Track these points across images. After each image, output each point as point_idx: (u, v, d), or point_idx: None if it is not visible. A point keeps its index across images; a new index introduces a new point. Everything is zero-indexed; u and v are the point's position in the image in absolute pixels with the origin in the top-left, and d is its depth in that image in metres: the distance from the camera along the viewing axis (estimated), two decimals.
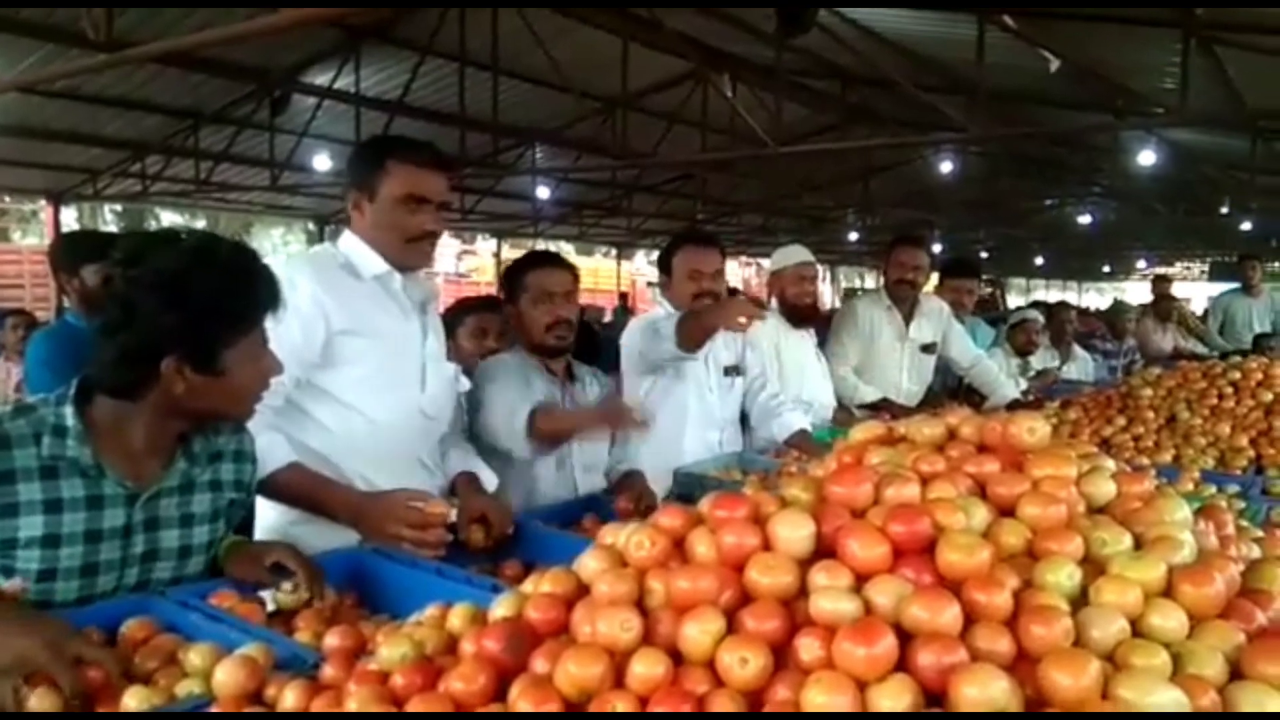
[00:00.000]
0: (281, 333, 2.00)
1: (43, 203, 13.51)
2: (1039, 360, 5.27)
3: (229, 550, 1.73)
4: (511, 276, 2.67)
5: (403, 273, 2.21)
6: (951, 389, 4.63)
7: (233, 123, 10.61)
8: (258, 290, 1.57)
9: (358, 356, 2.11)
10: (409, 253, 2.18)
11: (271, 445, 1.93)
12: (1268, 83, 7.45)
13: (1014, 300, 22.24)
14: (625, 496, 2.29)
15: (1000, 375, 4.45)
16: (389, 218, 2.14)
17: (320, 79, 9.70)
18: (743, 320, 2.55)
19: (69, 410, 1.55)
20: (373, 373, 2.13)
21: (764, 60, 8.76)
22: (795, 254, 3.84)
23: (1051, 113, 10.31)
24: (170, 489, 1.64)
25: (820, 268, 4.39)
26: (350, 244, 2.19)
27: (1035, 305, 7.06)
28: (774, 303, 3.89)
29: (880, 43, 8.68)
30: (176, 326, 1.50)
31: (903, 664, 0.99)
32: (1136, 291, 31.94)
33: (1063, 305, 6.09)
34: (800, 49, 8.41)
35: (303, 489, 1.99)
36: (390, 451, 2.17)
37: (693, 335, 2.68)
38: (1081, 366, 5.66)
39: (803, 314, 3.79)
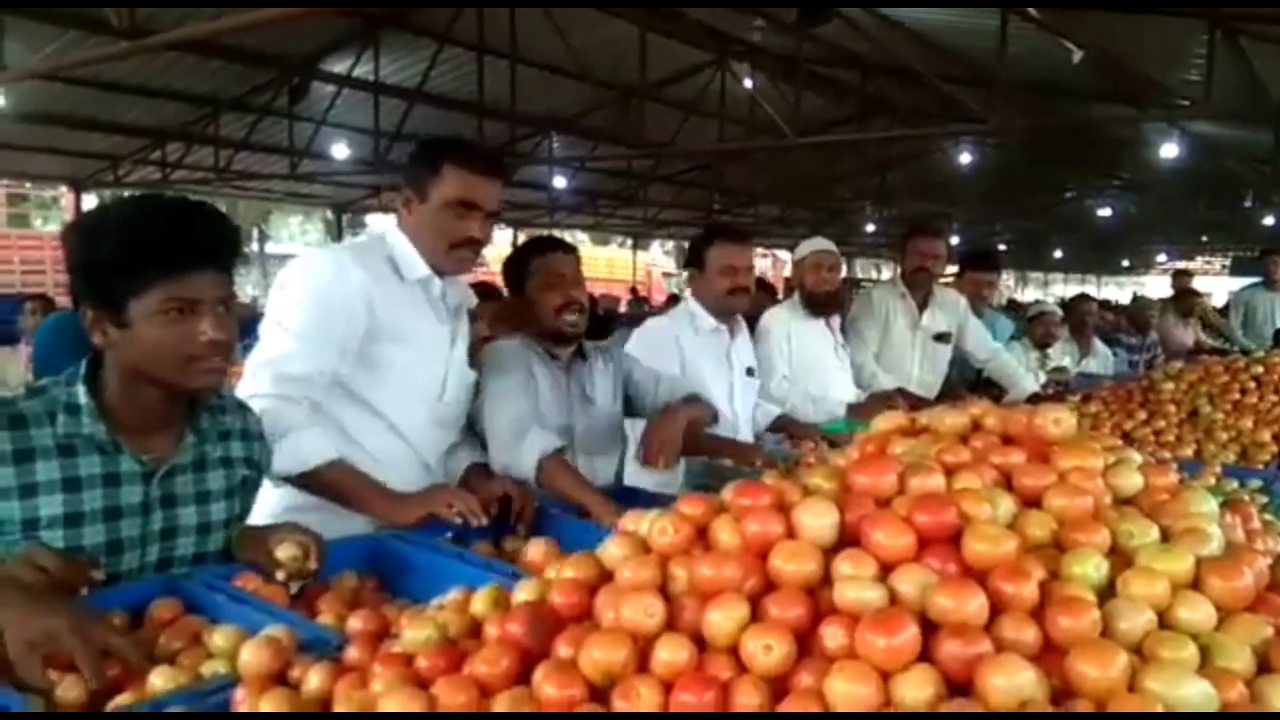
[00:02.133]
0: (325, 323, 2.00)
1: (64, 189, 13.65)
2: (1058, 354, 5.24)
3: (238, 537, 1.74)
4: (515, 266, 2.58)
5: (442, 277, 2.19)
6: (970, 381, 4.61)
7: (252, 110, 10.67)
8: (158, 242, 1.51)
9: (387, 362, 2.10)
10: (450, 259, 2.15)
11: (316, 439, 1.92)
12: None
13: (1032, 294, 22.08)
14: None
15: (1019, 368, 4.43)
16: (436, 220, 2.10)
17: (339, 67, 9.73)
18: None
19: (80, 389, 1.57)
20: (397, 379, 2.12)
21: (783, 50, 8.72)
22: (813, 243, 3.87)
23: (1073, 104, 10.22)
24: (184, 465, 1.66)
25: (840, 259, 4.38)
26: (397, 241, 2.15)
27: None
28: (796, 294, 3.91)
29: (901, 33, 8.63)
30: (82, 274, 1.55)
31: (927, 654, 0.99)
32: (1156, 286, 31.67)
33: (1083, 298, 6.04)
34: (820, 39, 8.37)
35: (343, 485, 1.96)
36: (401, 455, 2.16)
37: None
38: (1102, 361, 5.61)
39: (821, 301, 3.79)
